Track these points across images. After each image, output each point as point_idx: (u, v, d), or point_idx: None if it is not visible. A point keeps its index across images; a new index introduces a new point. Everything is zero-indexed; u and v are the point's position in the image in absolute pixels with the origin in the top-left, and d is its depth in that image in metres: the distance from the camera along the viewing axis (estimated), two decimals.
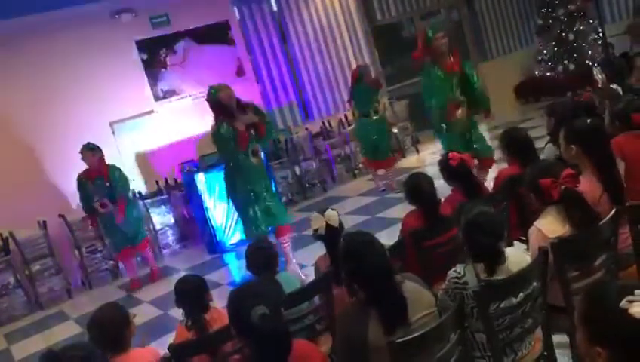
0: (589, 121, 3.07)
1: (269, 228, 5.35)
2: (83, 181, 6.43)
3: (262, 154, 5.37)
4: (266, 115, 5.48)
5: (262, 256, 3.18)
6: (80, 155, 6.29)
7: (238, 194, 5.29)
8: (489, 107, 5.84)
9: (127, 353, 2.67)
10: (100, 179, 6.37)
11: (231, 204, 5.75)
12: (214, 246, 7.19)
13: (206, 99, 5.19)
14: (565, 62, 10.30)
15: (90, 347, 1.87)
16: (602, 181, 2.85)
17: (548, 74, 10.52)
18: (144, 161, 8.08)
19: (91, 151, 6.32)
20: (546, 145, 4.04)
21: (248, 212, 5.25)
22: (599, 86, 7.53)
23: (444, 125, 5.57)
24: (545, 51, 10.65)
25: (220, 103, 5.10)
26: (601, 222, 2.56)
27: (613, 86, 5.61)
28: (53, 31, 7.44)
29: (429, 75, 5.49)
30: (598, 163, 2.89)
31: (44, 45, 7.46)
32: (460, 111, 5.47)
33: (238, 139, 5.03)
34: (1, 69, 7.31)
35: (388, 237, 4.10)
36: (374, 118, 7.34)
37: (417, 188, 3.36)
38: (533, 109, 9.89)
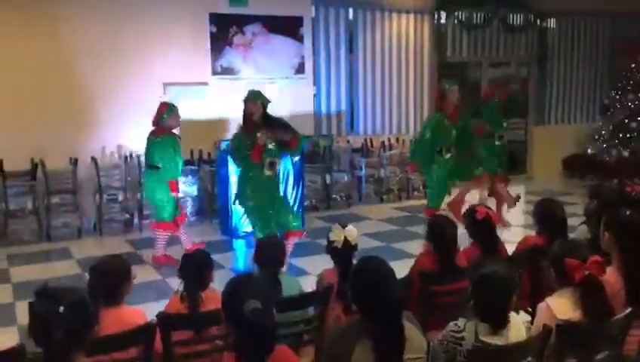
0: (628, 213, 3.00)
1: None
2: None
3: (278, 168, 5.57)
4: (297, 131, 5.63)
5: (271, 252, 3.20)
6: (171, 112, 5.98)
7: (245, 198, 5.50)
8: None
9: (119, 308, 2.70)
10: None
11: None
12: (228, 229, 7.23)
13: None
14: (620, 148, 10.11)
15: (84, 294, 1.90)
16: (624, 277, 2.79)
17: (600, 154, 10.35)
18: (186, 128, 8.14)
19: None
20: (579, 225, 3.97)
21: (253, 216, 5.50)
22: None
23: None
24: (603, 132, 10.48)
25: (244, 110, 5.37)
26: (614, 318, 2.50)
27: None
28: None
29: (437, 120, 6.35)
30: (626, 258, 2.83)
31: None
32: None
33: (253, 152, 5.23)
34: (78, 12, 7.42)
35: (397, 270, 4.07)
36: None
37: (440, 231, 3.34)
38: (576, 185, 9.72)
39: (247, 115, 5.40)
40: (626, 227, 2.91)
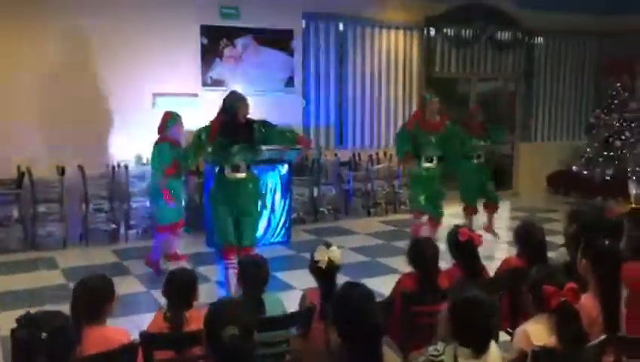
0: (607, 242, 3.06)
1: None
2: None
3: (247, 170, 5.44)
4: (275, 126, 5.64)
5: (255, 273, 3.21)
6: (174, 121, 6.18)
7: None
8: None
9: (103, 327, 2.72)
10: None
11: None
12: (214, 241, 7.23)
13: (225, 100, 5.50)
14: (605, 166, 10.24)
15: (67, 318, 1.93)
16: (601, 303, 2.85)
17: (585, 172, 10.47)
18: None
19: None
20: (560, 246, 4.03)
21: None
22: (631, 201, 7.50)
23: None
24: (588, 149, 10.61)
25: (236, 110, 5.37)
26: (588, 345, 2.55)
27: None
28: None
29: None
30: (603, 285, 2.88)
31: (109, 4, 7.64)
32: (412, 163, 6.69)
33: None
34: (67, 23, 7.42)
35: (382, 285, 4.13)
36: None
37: (420, 253, 3.39)
38: (560, 202, 9.83)
39: (236, 116, 5.35)
40: (603, 255, 2.96)
